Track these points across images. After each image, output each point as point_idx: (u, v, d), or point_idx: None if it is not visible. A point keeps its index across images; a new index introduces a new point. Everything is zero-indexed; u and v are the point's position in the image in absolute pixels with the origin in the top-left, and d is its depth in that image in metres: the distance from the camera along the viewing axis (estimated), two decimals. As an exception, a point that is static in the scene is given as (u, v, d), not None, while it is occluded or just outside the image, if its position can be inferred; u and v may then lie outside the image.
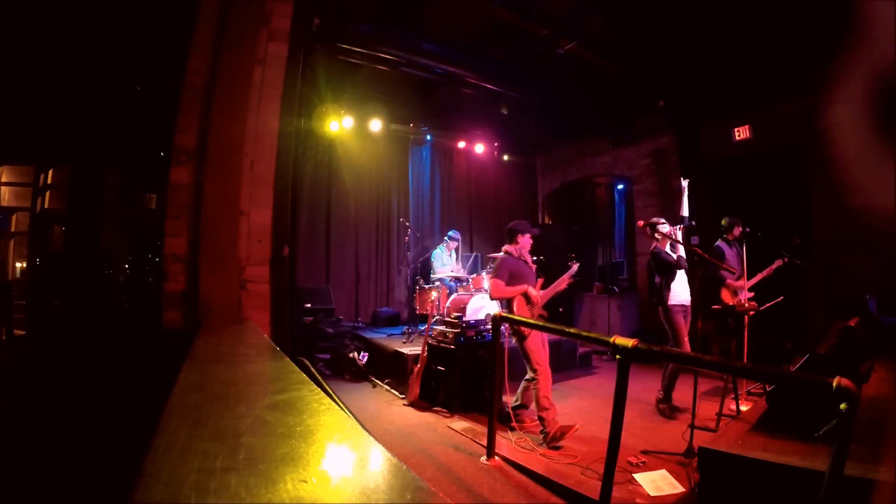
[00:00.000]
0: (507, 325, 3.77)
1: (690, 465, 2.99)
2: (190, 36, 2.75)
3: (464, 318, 4.90)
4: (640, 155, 7.62)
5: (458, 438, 3.69)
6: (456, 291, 6.01)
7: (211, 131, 2.67)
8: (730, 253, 4.57)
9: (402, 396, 4.68)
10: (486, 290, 5.77)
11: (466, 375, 4.37)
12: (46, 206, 8.65)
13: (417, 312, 6.26)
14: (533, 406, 3.96)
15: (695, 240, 6.55)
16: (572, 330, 3.70)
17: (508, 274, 3.80)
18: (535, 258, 4.28)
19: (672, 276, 4.15)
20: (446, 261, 6.56)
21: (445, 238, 6.68)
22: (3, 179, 9.40)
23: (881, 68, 4.17)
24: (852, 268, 5.15)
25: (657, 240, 4.16)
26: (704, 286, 4.60)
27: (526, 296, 3.79)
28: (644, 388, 4.74)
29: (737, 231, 4.62)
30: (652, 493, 2.72)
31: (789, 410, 2.42)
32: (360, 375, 5.44)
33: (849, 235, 5.16)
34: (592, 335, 3.05)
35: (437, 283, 6.13)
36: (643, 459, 3.14)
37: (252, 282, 2.83)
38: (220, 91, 2.69)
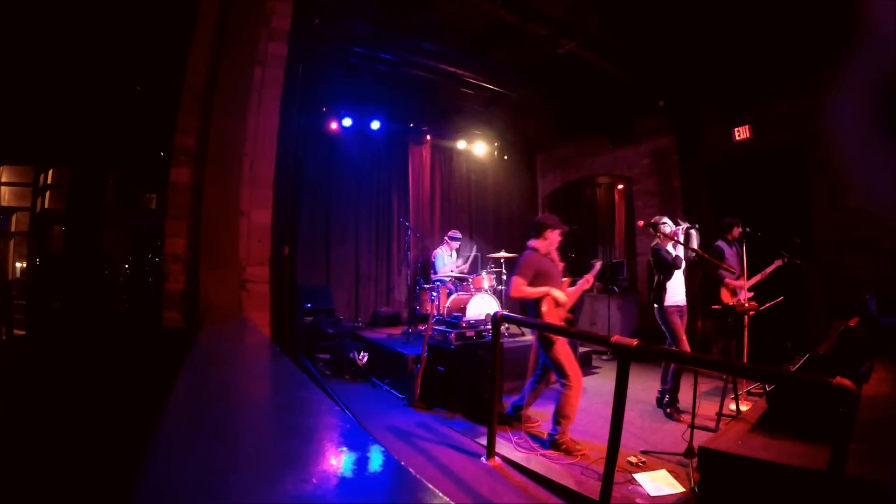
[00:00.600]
0: (535, 334, 3.55)
1: (690, 465, 2.99)
2: (190, 36, 2.75)
3: (464, 318, 4.90)
4: (640, 155, 7.62)
5: (458, 438, 3.69)
6: (456, 291, 6.01)
7: (211, 131, 2.67)
8: (729, 253, 4.57)
9: (402, 396, 4.68)
10: (487, 290, 5.77)
11: (466, 375, 4.37)
12: (46, 206, 8.66)
13: (417, 312, 6.25)
14: (534, 407, 3.96)
15: (697, 240, 6.54)
16: (572, 330, 3.68)
17: (533, 272, 3.48)
18: (569, 255, 3.99)
19: (669, 276, 4.15)
20: (447, 261, 6.56)
21: (446, 238, 6.67)
22: (3, 179, 9.40)
23: (881, 68, 4.17)
24: (852, 268, 5.15)
25: (659, 238, 4.14)
26: (704, 286, 4.60)
27: (551, 297, 3.50)
28: (644, 388, 4.74)
29: (736, 231, 4.62)
30: (652, 493, 2.72)
31: (789, 410, 2.42)
32: (360, 375, 5.45)
33: (849, 235, 5.17)
34: (592, 335, 3.06)
35: (437, 283, 6.13)
36: (643, 459, 3.14)
37: (252, 282, 2.83)
38: (220, 91, 2.69)
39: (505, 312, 3.60)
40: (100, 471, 1.93)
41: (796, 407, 2.37)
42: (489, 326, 4.33)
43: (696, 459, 2.75)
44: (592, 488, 2.71)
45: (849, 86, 4.50)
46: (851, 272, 5.14)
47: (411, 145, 8.47)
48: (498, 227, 9.26)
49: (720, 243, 4.66)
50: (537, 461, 3.19)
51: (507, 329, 5.93)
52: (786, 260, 4.48)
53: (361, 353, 5.55)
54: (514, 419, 3.85)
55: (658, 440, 3.55)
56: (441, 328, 4.87)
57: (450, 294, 5.94)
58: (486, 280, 5.91)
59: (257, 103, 2.87)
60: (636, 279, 7.80)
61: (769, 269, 4.58)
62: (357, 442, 0.82)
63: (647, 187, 7.53)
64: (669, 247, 4.17)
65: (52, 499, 1.93)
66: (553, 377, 3.74)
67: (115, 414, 2.29)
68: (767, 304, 4.27)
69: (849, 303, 4.65)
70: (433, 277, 6.39)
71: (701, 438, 3.00)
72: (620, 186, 9.05)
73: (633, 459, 3.11)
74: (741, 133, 6.20)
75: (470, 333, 4.65)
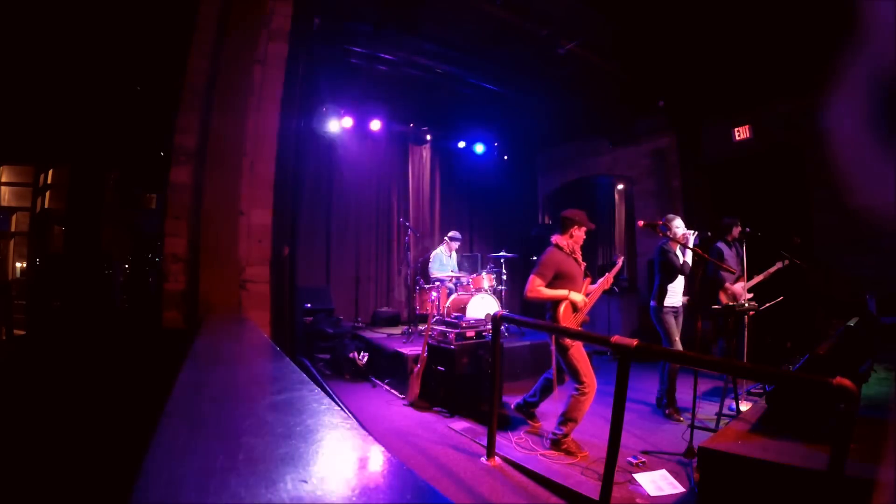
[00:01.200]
0: (552, 337, 3.45)
1: (690, 465, 2.99)
2: (190, 36, 2.75)
3: (464, 318, 4.90)
4: (640, 155, 7.62)
5: (458, 438, 3.69)
6: (456, 291, 6.01)
7: (211, 131, 2.67)
8: (728, 254, 4.57)
9: (402, 396, 4.68)
10: (487, 290, 5.77)
11: (466, 375, 4.37)
12: (46, 206, 8.66)
13: (417, 312, 6.26)
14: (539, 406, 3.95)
15: (695, 240, 6.55)
16: (572, 330, 3.67)
17: (553, 272, 3.31)
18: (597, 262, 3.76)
19: (672, 279, 4.15)
20: (446, 261, 6.56)
21: (446, 238, 6.67)
22: (3, 179, 9.41)
23: (881, 68, 4.17)
24: (852, 268, 5.15)
25: (669, 238, 4.09)
26: (703, 287, 4.60)
27: (571, 301, 3.35)
28: (644, 388, 4.75)
29: (735, 231, 4.61)
30: (652, 493, 2.72)
31: (789, 410, 2.42)
32: (360, 375, 5.45)
33: (849, 235, 5.17)
34: (592, 335, 3.05)
35: (437, 283, 6.13)
36: (643, 459, 3.14)
37: (252, 282, 2.83)
38: (220, 91, 2.69)
39: (505, 312, 3.60)
40: (99, 471, 1.93)
41: (796, 407, 2.37)
42: (489, 326, 4.33)
43: (696, 459, 2.75)
44: (592, 488, 2.71)
45: (849, 86, 4.51)
46: (851, 272, 5.14)
47: (411, 145, 8.47)
48: (498, 227, 9.26)
49: (719, 244, 4.64)
50: (537, 461, 3.19)
51: (507, 329, 5.93)
52: (786, 263, 4.48)
53: (361, 353, 5.55)
54: (529, 415, 3.82)
55: (658, 440, 3.55)
56: (441, 328, 4.86)
57: (450, 294, 5.94)
58: (486, 280, 5.91)
59: (257, 103, 2.87)
60: (636, 279, 7.80)
61: (770, 271, 4.57)
62: (357, 442, 0.82)
63: (647, 187, 7.53)
64: (678, 250, 4.14)
65: (52, 499, 1.93)
66: (566, 377, 3.71)
67: (114, 414, 2.29)
68: (767, 304, 4.27)
69: (849, 303, 4.65)
70: (432, 277, 6.39)
71: (701, 438, 3.00)
72: (620, 186, 9.05)
73: (633, 459, 3.11)
74: (741, 133, 6.20)
75: (470, 333, 4.64)
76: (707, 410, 3.97)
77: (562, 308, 3.35)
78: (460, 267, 6.86)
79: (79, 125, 5.55)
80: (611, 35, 5.73)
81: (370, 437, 0.82)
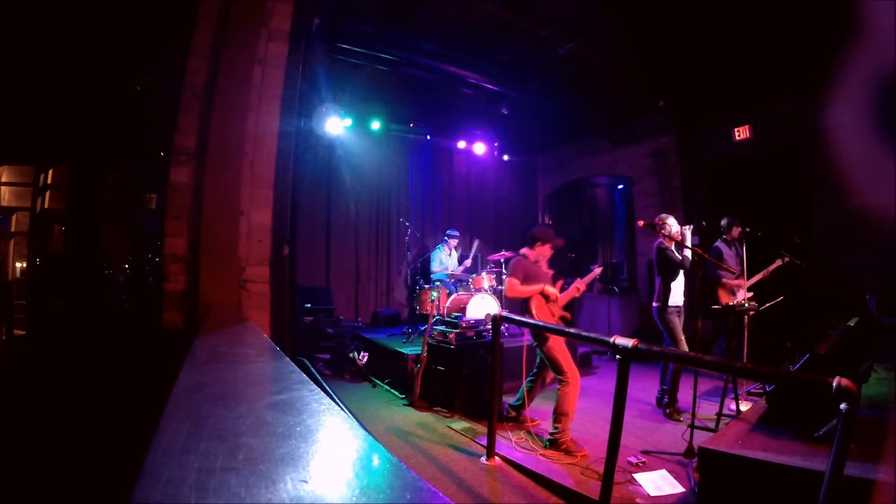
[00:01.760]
0: (524, 329, 3.67)
1: (690, 465, 2.99)
2: (190, 36, 2.75)
3: (464, 318, 4.90)
4: (640, 155, 7.62)
5: (458, 438, 3.69)
6: (456, 291, 6.01)
7: (211, 131, 2.67)
8: (728, 253, 4.57)
9: (402, 396, 4.68)
10: (487, 290, 5.77)
11: (466, 375, 4.37)
12: (46, 206, 8.66)
13: (417, 312, 6.26)
14: (533, 407, 3.97)
15: (695, 240, 6.54)
16: (572, 330, 3.68)
17: (523, 274, 3.68)
18: (569, 255, 4.14)
19: (674, 277, 4.13)
20: (445, 260, 6.56)
21: (444, 237, 6.67)
22: (3, 179, 9.40)
23: (881, 68, 4.17)
24: (852, 268, 5.15)
25: (664, 237, 4.11)
26: (703, 286, 4.60)
27: (544, 295, 3.65)
28: (644, 388, 4.75)
29: (735, 232, 4.61)
30: (652, 493, 2.72)
31: (789, 410, 2.42)
32: (360, 375, 5.44)
33: (849, 235, 5.17)
34: (592, 335, 3.05)
35: (437, 283, 6.13)
36: (643, 459, 3.13)
37: (252, 282, 2.83)
38: (220, 91, 2.69)
39: (505, 312, 3.60)
40: (99, 470, 1.93)
41: (796, 407, 2.37)
42: (489, 326, 4.33)
43: (696, 459, 2.75)
44: (592, 488, 2.71)
45: (849, 86, 4.51)
46: (851, 272, 5.14)
47: (411, 145, 8.47)
48: (498, 227, 9.27)
49: (718, 244, 4.66)
50: (537, 461, 3.19)
51: (507, 329, 5.93)
52: (786, 260, 4.48)
53: (361, 353, 5.55)
54: (510, 419, 3.86)
55: (658, 440, 3.55)
56: (441, 328, 4.86)
57: (450, 294, 5.94)
58: (486, 280, 5.91)
59: (257, 103, 2.87)
60: (636, 279, 7.80)
61: (770, 269, 4.57)
62: (357, 442, 0.82)
63: (647, 187, 7.53)
64: (674, 247, 4.15)
65: (52, 498, 1.93)
66: (549, 377, 3.76)
67: (114, 413, 2.29)
68: (767, 304, 4.27)
69: (849, 303, 4.65)
70: (433, 277, 6.39)
71: (701, 438, 3.00)
72: (620, 186, 9.05)
73: (633, 459, 3.11)
74: (741, 133, 6.20)
75: (470, 333, 4.64)
76: (707, 410, 3.97)
77: (534, 303, 3.63)
78: (461, 262, 6.85)
79: (79, 125, 5.55)
80: (611, 35, 5.73)
81: (370, 437, 0.81)
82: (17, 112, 5.53)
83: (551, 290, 3.67)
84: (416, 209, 8.47)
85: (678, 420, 3.99)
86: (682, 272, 4.15)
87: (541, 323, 3.48)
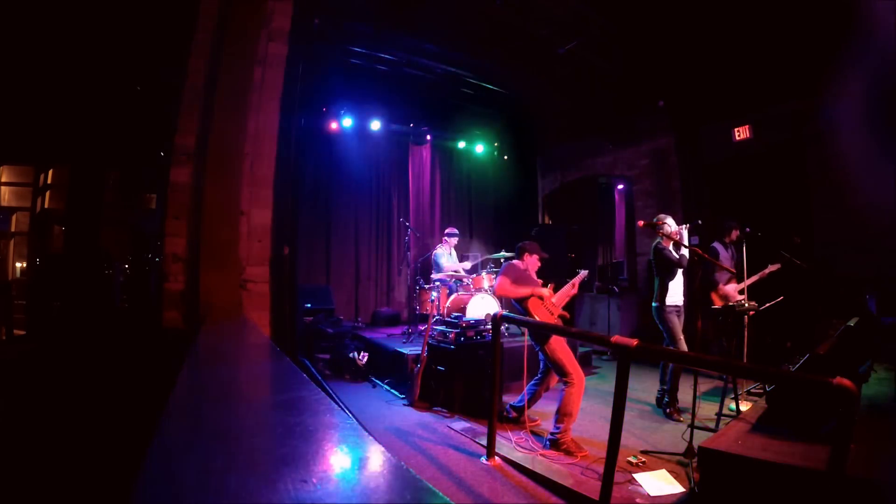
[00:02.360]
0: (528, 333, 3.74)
1: (690, 465, 2.99)
2: (190, 36, 2.75)
3: (464, 318, 4.90)
4: (640, 155, 7.62)
5: (458, 438, 3.69)
6: (456, 291, 6.01)
7: (211, 131, 2.67)
8: (724, 255, 4.60)
9: (402, 396, 4.68)
10: (487, 290, 5.77)
11: (466, 375, 4.37)
12: (46, 206, 8.65)
13: (417, 312, 6.25)
14: (533, 407, 3.96)
15: (695, 240, 6.55)
16: (573, 330, 3.69)
17: (514, 276, 3.81)
18: (569, 255, 4.24)
19: (672, 276, 4.14)
20: (446, 260, 6.55)
21: (444, 236, 6.67)
22: (3, 179, 9.40)
23: (881, 68, 4.16)
24: (852, 268, 5.14)
25: (662, 237, 4.13)
26: (701, 286, 4.62)
27: (536, 296, 3.75)
28: (644, 388, 4.74)
29: (734, 234, 4.64)
30: (652, 493, 2.72)
31: (789, 410, 2.42)
32: (360, 375, 5.44)
33: (849, 235, 5.16)
34: (592, 335, 3.06)
35: (437, 283, 6.12)
36: (643, 459, 3.13)
37: (252, 282, 2.83)
38: (220, 91, 2.69)
39: (505, 312, 3.60)
40: (100, 470, 1.93)
41: (796, 407, 2.37)
42: (489, 326, 4.33)
43: (696, 459, 2.75)
44: (592, 488, 2.71)
45: (848, 86, 4.51)
46: (851, 272, 5.13)
47: (411, 145, 8.47)
48: (498, 228, 9.26)
49: (716, 244, 4.68)
50: (537, 461, 3.19)
51: (507, 329, 5.93)
52: (781, 265, 4.47)
53: (361, 353, 5.55)
54: (510, 419, 3.86)
55: (658, 440, 3.55)
56: (441, 328, 4.86)
57: (450, 294, 5.94)
58: (486, 280, 5.91)
59: (257, 103, 2.87)
60: (636, 279, 7.79)
61: (766, 272, 4.56)
62: (357, 442, 0.82)
63: (647, 187, 7.52)
64: (671, 247, 4.16)
65: (52, 499, 1.93)
66: (553, 382, 3.75)
67: (115, 413, 2.29)
68: (767, 304, 4.27)
69: (849, 303, 4.65)
70: (433, 277, 6.39)
71: (701, 438, 3.00)
72: (620, 186, 9.05)
73: (633, 459, 3.11)
74: (741, 133, 6.20)
75: (470, 333, 4.64)
76: (707, 410, 3.97)
77: (530, 304, 3.72)
78: (461, 262, 6.85)
79: (79, 125, 5.54)
80: (611, 35, 5.73)
81: (370, 437, 0.82)
82: (17, 112, 5.52)
83: (542, 290, 3.77)
84: (416, 209, 8.46)
85: (678, 420, 3.99)
86: (680, 272, 4.15)
87: (541, 322, 3.48)
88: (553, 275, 4.20)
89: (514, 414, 3.89)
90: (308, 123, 6.38)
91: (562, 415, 3.39)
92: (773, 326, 5.08)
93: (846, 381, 1.61)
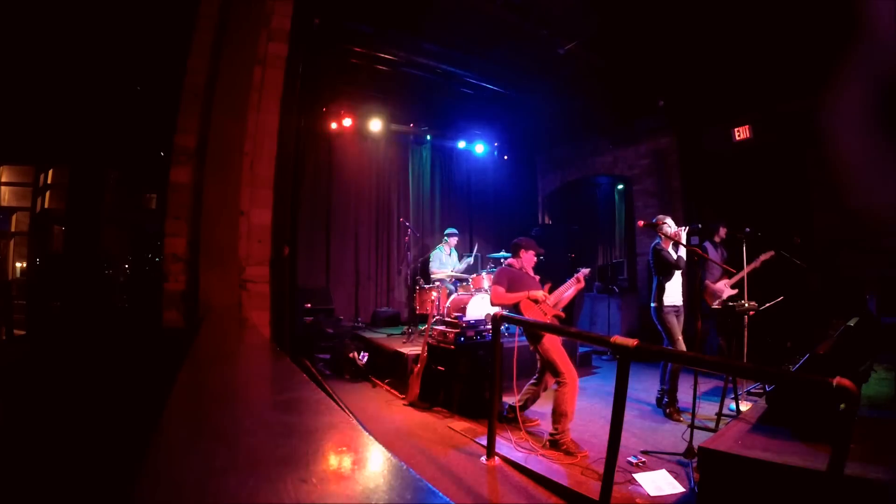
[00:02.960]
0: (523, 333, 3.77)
1: (690, 465, 2.99)
2: (190, 36, 2.75)
3: (464, 318, 4.90)
4: (640, 155, 7.62)
5: (458, 438, 3.69)
6: (456, 291, 6.01)
7: (211, 131, 2.67)
8: (714, 255, 4.65)
9: (402, 396, 4.68)
10: (486, 290, 5.78)
11: (466, 375, 4.37)
12: (46, 206, 8.64)
13: (417, 312, 6.25)
14: (534, 407, 3.97)
15: (694, 240, 6.55)
16: (572, 330, 3.70)
17: (507, 282, 3.82)
18: (569, 255, 4.29)
19: (669, 277, 4.16)
20: (446, 260, 6.55)
21: (444, 237, 6.67)
22: (3, 179, 9.40)
23: (881, 68, 4.17)
24: (852, 268, 5.14)
25: (661, 238, 4.14)
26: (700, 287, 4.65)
27: (531, 298, 3.75)
28: (644, 388, 4.75)
29: (722, 232, 4.71)
30: (652, 493, 2.72)
31: (789, 410, 2.42)
32: (360, 375, 5.44)
33: (849, 235, 5.16)
34: (592, 335, 3.06)
35: (437, 283, 6.13)
36: (643, 459, 3.14)
37: (252, 282, 2.83)
38: (220, 91, 2.69)
39: (505, 312, 3.61)
40: (100, 471, 1.93)
41: (796, 407, 2.37)
42: (489, 326, 4.33)
43: (696, 459, 2.75)
44: (592, 488, 2.71)
45: (849, 86, 4.51)
46: (851, 272, 5.13)
47: (411, 145, 8.47)
48: (498, 227, 9.26)
49: (707, 244, 4.76)
50: (537, 461, 3.19)
51: (508, 329, 5.93)
52: (774, 252, 4.44)
53: (361, 353, 5.55)
54: (510, 419, 3.86)
55: (658, 440, 3.55)
56: (441, 328, 4.86)
57: (450, 294, 5.94)
58: (486, 280, 5.91)
59: (257, 103, 2.87)
60: (636, 279, 7.79)
61: (759, 261, 4.51)
62: (357, 442, 0.82)
63: (647, 187, 7.52)
64: (670, 248, 4.16)
65: (52, 499, 1.93)
66: (551, 382, 3.75)
67: (115, 414, 2.29)
68: (767, 304, 4.27)
69: (849, 303, 4.65)
70: (433, 277, 6.39)
71: (701, 438, 3.00)
72: (620, 186, 9.05)
73: (633, 459, 3.11)
74: (741, 133, 6.20)
75: (470, 333, 4.64)
76: (707, 410, 3.97)
77: (522, 307, 3.74)
78: (461, 261, 6.85)
79: (79, 125, 5.54)
80: (611, 35, 5.73)
81: (370, 437, 0.82)
82: (17, 112, 5.52)
83: (536, 293, 3.77)
84: (416, 209, 8.46)
85: (678, 420, 3.99)
86: (678, 273, 4.17)
87: (540, 322, 3.49)
88: (553, 275, 4.20)
89: (512, 414, 3.90)
90: (308, 123, 6.37)
91: (557, 415, 3.40)
92: (773, 326, 5.08)
93: (846, 381, 1.61)
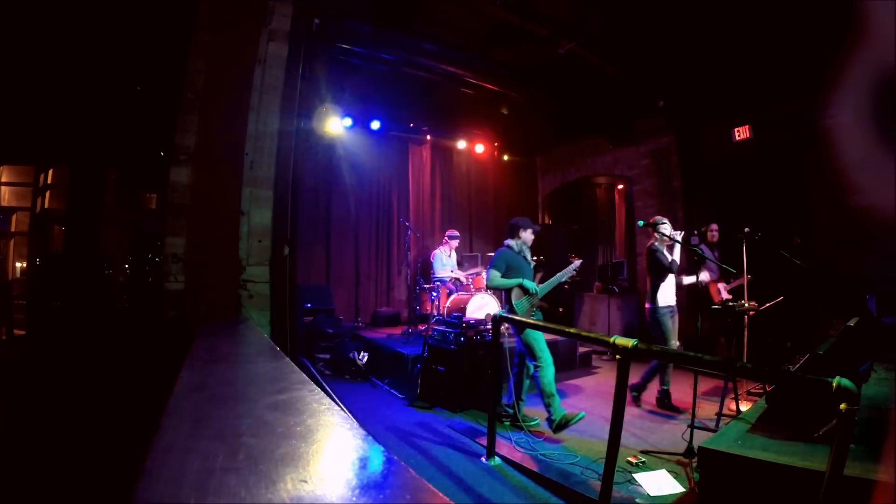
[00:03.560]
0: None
1: (690, 465, 2.99)
2: (190, 35, 2.75)
3: (464, 318, 4.90)
4: (640, 155, 7.62)
5: (458, 438, 3.69)
6: (456, 291, 6.01)
7: (211, 131, 2.67)
8: (710, 256, 4.70)
9: (402, 396, 4.68)
10: (487, 291, 5.78)
11: (466, 375, 4.37)
12: (46, 206, 8.64)
13: (417, 312, 6.25)
14: (530, 406, 3.98)
15: (694, 240, 6.55)
16: (572, 330, 3.71)
17: (505, 265, 3.89)
18: (534, 258, 4.40)
19: (663, 278, 4.22)
20: (446, 261, 6.56)
21: (445, 238, 6.67)
22: (3, 179, 9.39)
23: (881, 68, 4.16)
24: (852, 268, 5.14)
25: (657, 238, 4.19)
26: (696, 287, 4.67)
27: (523, 288, 3.86)
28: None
29: (714, 233, 4.87)
30: (652, 493, 2.72)
31: (789, 410, 2.42)
32: (360, 375, 5.44)
33: (849, 235, 5.16)
34: (592, 335, 3.06)
35: (437, 283, 6.12)
36: (643, 459, 3.14)
37: (252, 282, 2.83)
38: (220, 91, 2.69)
39: (504, 312, 3.61)
40: (100, 470, 1.93)
41: (796, 407, 2.37)
42: (489, 326, 4.34)
43: (696, 459, 2.75)
44: (592, 488, 2.71)
45: (849, 85, 4.50)
46: (851, 272, 5.13)
47: (411, 145, 8.47)
48: (498, 227, 9.25)
49: (702, 246, 4.87)
50: (537, 461, 3.19)
51: (508, 329, 5.93)
52: (750, 278, 4.44)
53: (361, 353, 5.55)
54: (507, 417, 3.88)
55: (658, 440, 3.55)
56: (441, 328, 4.86)
57: (450, 294, 5.94)
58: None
59: (257, 103, 2.87)
60: (636, 279, 7.79)
61: (735, 283, 4.68)
62: (357, 442, 0.82)
63: (647, 187, 7.52)
64: (665, 250, 4.22)
65: (52, 498, 1.93)
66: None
67: (115, 413, 2.29)
68: (767, 304, 4.27)
69: (849, 303, 4.65)
70: (433, 277, 6.39)
71: (701, 438, 3.00)
72: (620, 186, 9.05)
73: (632, 459, 3.11)
74: (741, 133, 6.20)
75: (470, 333, 4.64)
76: (707, 410, 3.97)
77: (514, 294, 3.86)
78: (460, 266, 6.85)
79: (79, 125, 5.54)
80: (611, 35, 5.73)
81: (370, 437, 0.82)
82: (17, 112, 5.52)
83: (530, 284, 3.87)
84: (416, 209, 8.46)
85: (639, 405, 4.24)
86: (671, 275, 4.25)
87: (540, 323, 3.51)
88: (553, 275, 4.20)
89: (510, 413, 3.91)
90: (308, 123, 6.38)
91: (546, 396, 3.61)
92: (773, 326, 5.08)
93: (846, 381, 1.61)
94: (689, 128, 6.84)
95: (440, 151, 8.80)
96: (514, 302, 3.85)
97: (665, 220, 4.24)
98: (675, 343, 4.23)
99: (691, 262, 4.21)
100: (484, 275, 5.98)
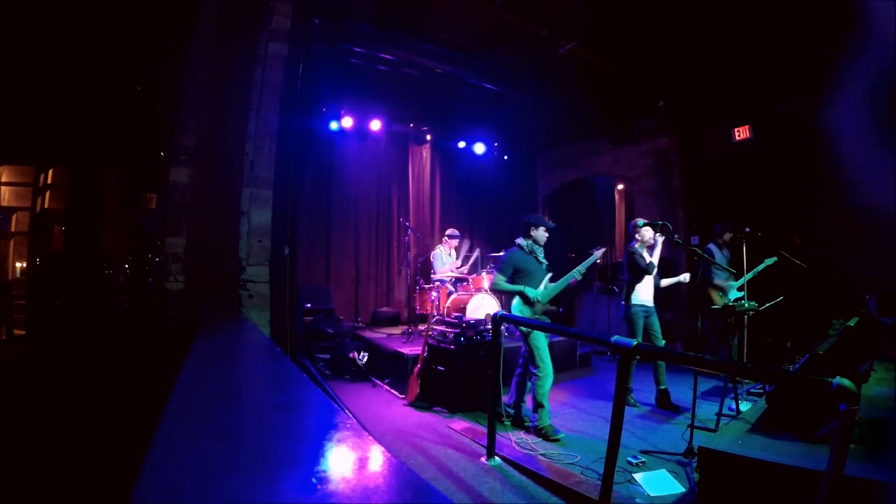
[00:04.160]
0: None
1: (690, 465, 2.99)
2: (190, 36, 2.75)
3: (464, 318, 4.90)
4: (640, 155, 7.62)
5: (458, 438, 3.69)
6: (456, 291, 6.01)
7: (211, 131, 2.67)
8: (719, 257, 4.71)
9: (402, 396, 4.68)
10: (487, 290, 5.78)
11: (466, 375, 4.37)
12: (46, 206, 8.64)
13: (417, 312, 6.25)
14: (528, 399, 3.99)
15: (694, 240, 6.55)
16: (572, 330, 3.71)
17: (513, 269, 3.77)
18: (569, 255, 4.39)
19: (640, 279, 4.33)
20: (446, 260, 6.55)
21: (445, 237, 6.67)
22: (3, 179, 9.39)
23: (881, 67, 4.16)
24: (852, 268, 5.14)
25: (637, 240, 4.38)
26: (697, 285, 4.69)
27: (523, 296, 3.73)
28: (644, 388, 4.74)
29: (727, 237, 4.85)
30: (652, 493, 2.72)
31: (789, 410, 2.42)
32: (360, 375, 5.44)
33: (849, 235, 5.16)
34: (592, 335, 3.06)
35: (437, 283, 6.12)
36: (643, 459, 3.14)
37: (252, 282, 2.83)
38: (220, 91, 2.69)
39: (505, 312, 3.61)
40: (100, 470, 1.93)
41: (796, 407, 2.37)
42: (489, 326, 4.34)
43: (696, 459, 2.75)
44: (592, 488, 2.71)
45: (849, 85, 4.50)
46: (851, 272, 5.13)
47: (411, 145, 8.47)
48: (498, 227, 9.25)
49: (710, 246, 4.85)
50: (537, 461, 3.19)
51: (508, 329, 5.93)
52: (778, 258, 4.48)
53: (361, 353, 5.55)
54: (508, 417, 3.89)
55: (658, 440, 3.55)
56: (441, 328, 4.86)
57: (450, 294, 5.94)
58: (486, 280, 5.91)
59: (257, 103, 2.87)
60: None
61: (759, 269, 4.56)
62: (357, 442, 0.82)
63: (647, 187, 7.52)
64: (644, 252, 4.34)
65: (53, 498, 1.93)
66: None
67: (115, 413, 2.29)
68: (767, 304, 4.27)
69: (849, 303, 4.64)
70: (433, 277, 6.39)
71: (701, 438, 3.01)
72: (620, 186, 9.05)
73: (632, 459, 3.11)
74: (741, 133, 6.20)
75: (470, 333, 4.64)
76: (707, 410, 3.97)
77: (515, 300, 3.78)
78: (464, 262, 6.84)
79: (79, 125, 5.54)
80: (611, 35, 5.73)
81: (370, 437, 0.82)
82: (17, 112, 5.52)
83: (532, 292, 3.73)
84: (416, 209, 8.46)
85: (633, 405, 4.26)
86: (648, 277, 4.35)
87: (539, 323, 3.51)
88: (553, 275, 4.20)
89: (511, 413, 3.92)
90: (308, 123, 6.38)
91: (536, 405, 3.64)
92: (773, 326, 5.08)
93: (846, 381, 1.61)
94: (689, 128, 6.84)
95: (440, 151, 8.80)
96: (517, 310, 3.73)
97: (645, 225, 4.36)
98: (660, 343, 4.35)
99: (691, 262, 4.22)
100: (484, 274, 5.99)
